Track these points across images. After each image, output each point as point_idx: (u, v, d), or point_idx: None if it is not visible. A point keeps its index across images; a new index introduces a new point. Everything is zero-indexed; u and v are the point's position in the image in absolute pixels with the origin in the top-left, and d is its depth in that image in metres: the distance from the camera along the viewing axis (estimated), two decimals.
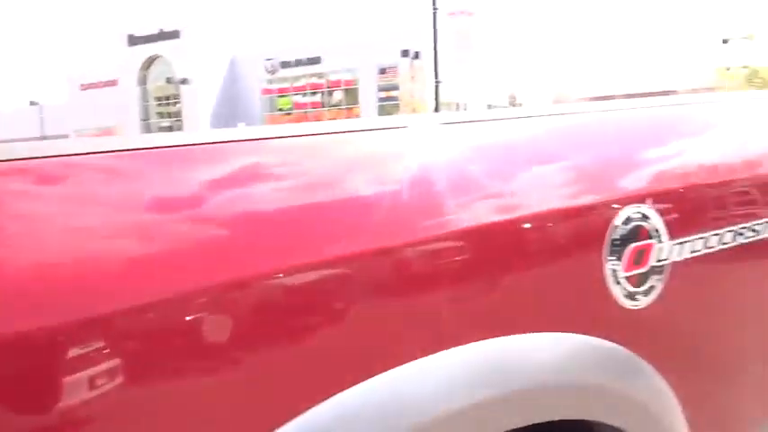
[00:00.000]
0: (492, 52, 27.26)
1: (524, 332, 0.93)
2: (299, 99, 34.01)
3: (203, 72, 32.48)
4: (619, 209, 1.01)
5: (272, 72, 31.75)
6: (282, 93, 34.76)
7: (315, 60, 32.50)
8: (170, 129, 33.68)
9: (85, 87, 37.48)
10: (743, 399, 1.26)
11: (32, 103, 38.00)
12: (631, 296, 1.03)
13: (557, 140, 1.08)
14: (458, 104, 29.71)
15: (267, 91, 34.68)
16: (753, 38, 26.55)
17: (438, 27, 11.06)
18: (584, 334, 0.99)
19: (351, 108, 32.28)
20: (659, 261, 1.06)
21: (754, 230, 1.23)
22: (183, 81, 30.54)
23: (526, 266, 0.96)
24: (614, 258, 1.00)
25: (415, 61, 23.45)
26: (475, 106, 30.06)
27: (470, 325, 0.89)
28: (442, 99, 28.52)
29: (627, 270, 1.02)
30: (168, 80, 31.93)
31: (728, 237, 1.17)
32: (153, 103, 35.70)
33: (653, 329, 1.08)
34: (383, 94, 31.14)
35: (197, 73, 32.18)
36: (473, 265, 0.90)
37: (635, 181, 1.08)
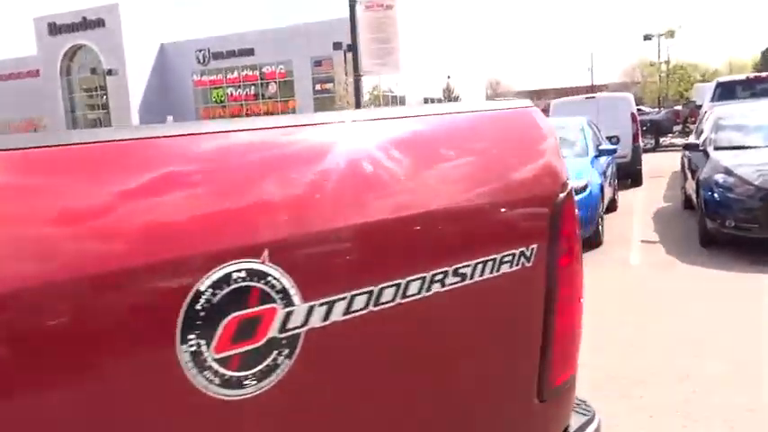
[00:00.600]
0: (420, 45, 27.15)
1: None
2: (233, 91, 33.15)
3: (130, 62, 31.22)
4: (206, 269, 0.74)
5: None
6: (215, 84, 33.79)
7: (248, 52, 31.66)
8: (98, 120, 32.38)
9: (5, 78, 35.62)
10: None
11: None
12: (234, 383, 0.76)
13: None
14: (396, 98, 29.51)
15: (200, 83, 33.62)
16: (673, 34, 27.71)
17: (358, 20, 10.76)
18: None
19: (287, 101, 31.65)
20: (286, 331, 0.80)
21: (459, 274, 0.98)
22: (109, 72, 29.24)
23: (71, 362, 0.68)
24: (195, 336, 0.73)
25: (349, 54, 23.21)
26: (413, 100, 29.97)
27: None
28: (377, 92, 28.22)
29: (220, 350, 0.75)
30: (93, 71, 30.53)
31: (414, 287, 0.92)
32: (81, 94, 34.18)
33: (276, 422, 0.82)
34: (318, 87, 30.63)
35: (124, 63, 30.90)
36: None
37: (240, 229, 0.76)
